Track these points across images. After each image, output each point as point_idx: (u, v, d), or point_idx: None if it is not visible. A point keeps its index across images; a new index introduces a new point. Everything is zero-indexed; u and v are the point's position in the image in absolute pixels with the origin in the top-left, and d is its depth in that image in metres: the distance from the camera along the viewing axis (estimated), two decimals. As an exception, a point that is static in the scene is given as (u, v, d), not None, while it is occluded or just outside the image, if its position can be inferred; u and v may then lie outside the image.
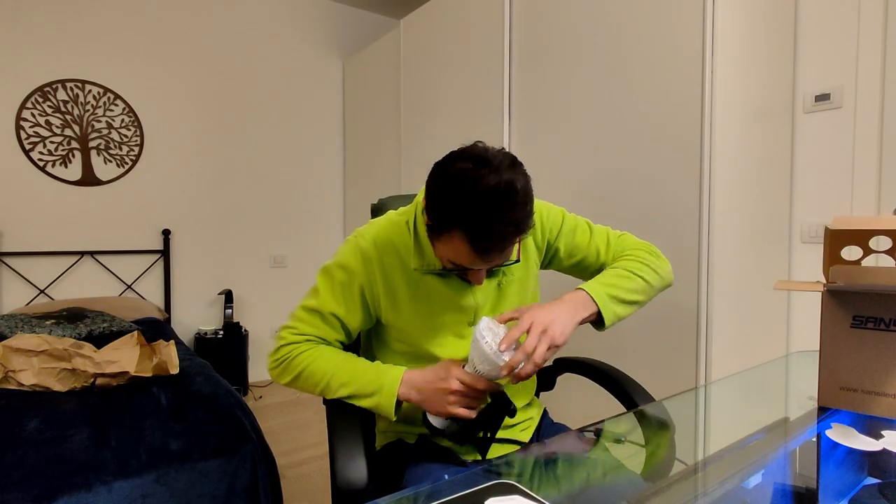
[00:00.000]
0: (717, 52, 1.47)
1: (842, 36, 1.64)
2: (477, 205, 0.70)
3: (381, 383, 0.82)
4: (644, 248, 0.95)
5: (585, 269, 0.98)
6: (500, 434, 0.92)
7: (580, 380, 1.10)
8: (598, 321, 0.85)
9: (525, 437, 0.95)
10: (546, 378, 1.17)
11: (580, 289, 0.85)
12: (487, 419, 0.80)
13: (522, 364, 0.74)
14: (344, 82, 3.59)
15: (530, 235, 0.96)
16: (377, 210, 1.13)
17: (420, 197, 0.92)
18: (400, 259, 0.89)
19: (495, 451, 0.92)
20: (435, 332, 0.90)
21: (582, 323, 0.82)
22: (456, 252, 0.76)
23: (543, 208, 0.97)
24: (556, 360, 1.15)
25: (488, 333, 0.76)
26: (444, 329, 0.90)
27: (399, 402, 0.82)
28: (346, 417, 0.85)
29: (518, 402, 0.94)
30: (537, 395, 1.14)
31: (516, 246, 0.82)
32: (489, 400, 0.81)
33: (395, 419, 0.83)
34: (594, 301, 0.82)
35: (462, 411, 0.77)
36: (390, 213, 0.96)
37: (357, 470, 0.75)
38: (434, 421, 0.80)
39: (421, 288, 0.89)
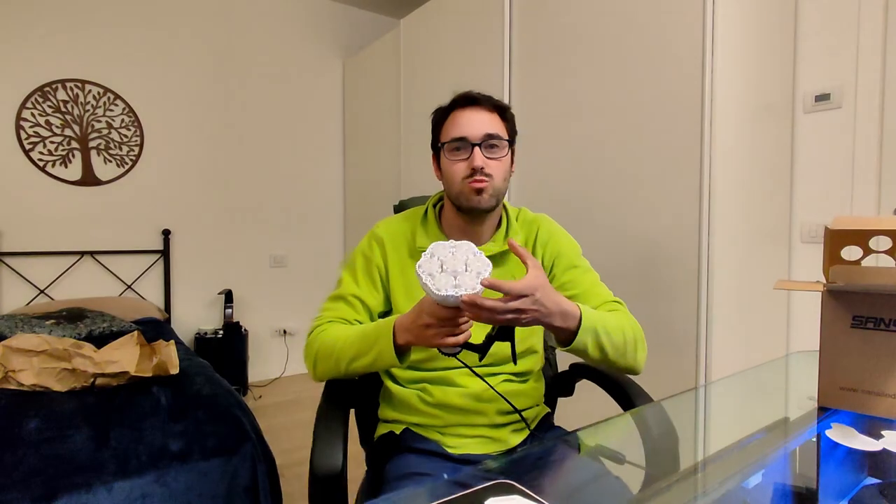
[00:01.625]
0: (717, 52, 1.47)
1: (842, 36, 1.64)
2: (461, 93, 0.95)
3: (378, 334, 0.83)
4: (637, 326, 0.92)
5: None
6: (496, 433, 0.92)
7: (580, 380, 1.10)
8: (564, 339, 0.81)
9: (519, 437, 0.95)
10: (564, 384, 1.14)
11: (577, 306, 0.81)
12: (498, 333, 0.79)
13: (469, 292, 0.70)
14: (344, 82, 3.59)
15: (538, 245, 0.98)
16: (400, 208, 1.20)
17: (435, 196, 1.02)
18: (408, 243, 0.97)
19: (492, 448, 0.92)
20: None
21: (550, 328, 0.79)
22: (453, 121, 0.92)
23: (562, 235, 1.01)
24: (571, 366, 1.12)
25: (425, 268, 0.73)
26: None
27: (404, 351, 0.83)
28: (332, 407, 0.90)
29: (520, 404, 0.94)
30: (554, 400, 1.13)
31: (503, 128, 0.93)
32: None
33: (403, 365, 0.84)
34: (579, 323, 0.79)
35: (449, 340, 0.75)
36: (410, 209, 1.05)
37: (329, 457, 0.78)
38: (444, 349, 0.79)
39: None
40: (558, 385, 1.14)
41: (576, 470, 0.68)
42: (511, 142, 0.95)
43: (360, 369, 0.86)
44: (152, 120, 2.94)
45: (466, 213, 0.93)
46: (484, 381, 0.89)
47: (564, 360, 1.22)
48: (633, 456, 0.72)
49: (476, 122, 0.91)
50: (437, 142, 0.96)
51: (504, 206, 1.00)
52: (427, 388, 0.93)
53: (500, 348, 0.89)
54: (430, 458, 0.88)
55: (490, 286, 0.71)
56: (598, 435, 0.77)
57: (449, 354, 0.80)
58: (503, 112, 0.95)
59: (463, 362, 0.85)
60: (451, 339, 0.76)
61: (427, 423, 0.93)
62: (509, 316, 0.72)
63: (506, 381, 0.94)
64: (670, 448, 0.75)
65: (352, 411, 1.00)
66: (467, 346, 0.78)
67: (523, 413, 0.95)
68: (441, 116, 0.96)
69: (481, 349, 0.79)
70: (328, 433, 0.83)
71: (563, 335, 0.80)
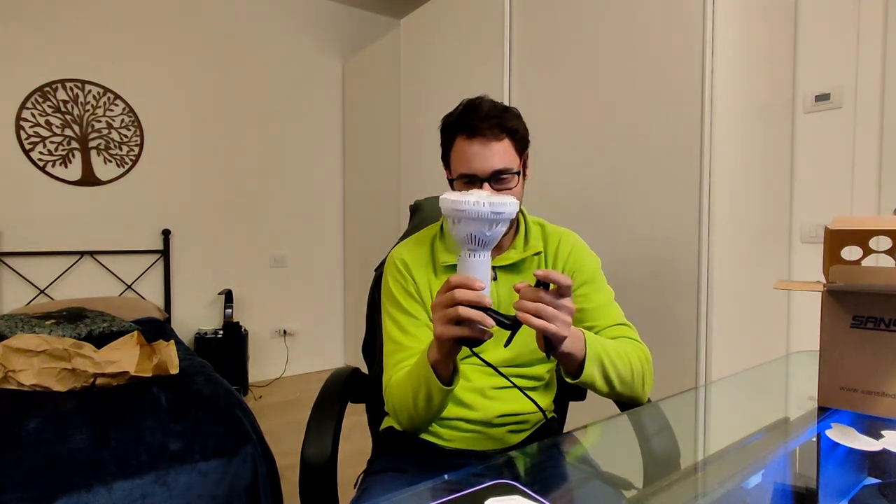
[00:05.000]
0: (717, 52, 1.47)
1: (842, 36, 1.64)
2: (463, 108, 0.90)
3: (419, 362, 0.80)
4: (645, 355, 0.90)
5: (579, 321, 0.92)
6: (492, 431, 0.92)
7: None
8: (572, 371, 0.77)
9: (517, 438, 0.95)
10: (575, 388, 1.09)
11: (582, 331, 0.77)
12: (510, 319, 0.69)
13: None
14: (344, 82, 3.59)
15: (559, 258, 0.97)
16: (416, 209, 1.20)
17: (443, 219, 1.00)
18: (430, 262, 0.95)
19: (487, 446, 0.92)
20: None
21: (558, 357, 0.74)
22: (460, 153, 0.88)
23: (583, 249, 0.99)
24: None
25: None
26: None
27: (449, 377, 0.77)
28: (328, 399, 0.92)
29: (526, 409, 0.93)
30: (564, 404, 1.11)
31: (513, 153, 0.89)
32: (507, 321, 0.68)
33: (452, 387, 0.77)
34: (584, 347, 0.76)
35: (463, 331, 0.67)
36: (421, 231, 1.03)
37: (318, 447, 0.80)
38: (477, 343, 0.70)
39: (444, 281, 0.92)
40: (570, 389, 1.11)
41: (577, 469, 0.68)
42: (522, 155, 0.93)
43: (427, 404, 0.80)
44: (152, 120, 2.94)
45: None
46: (508, 379, 0.85)
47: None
48: (631, 456, 0.72)
49: (484, 158, 0.86)
50: (447, 157, 0.93)
51: (521, 212, 0.99)
52: None
53: (517, 353, 0.89)
54: (417, 454, 0.90)
55: (545, 278, 0.66)
56: (597, 436, 0.77)
57: (476, 341, 0.69)
58: (513, 134, 0.89)
59: (483, 360, 0.80)
60: (465, 331, 0.67)
61: None
62: (561, 309, 0.67)
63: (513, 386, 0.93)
64: (669, 448, 0.75)
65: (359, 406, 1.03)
66: (497, 319, 0.67)
67: (527, 417, 0.94)
68: (449, 135, 0.91)
69: (512, 324, 0.67)
70: (319, 423, 0.84)
71: (570, 363, 0.76)
